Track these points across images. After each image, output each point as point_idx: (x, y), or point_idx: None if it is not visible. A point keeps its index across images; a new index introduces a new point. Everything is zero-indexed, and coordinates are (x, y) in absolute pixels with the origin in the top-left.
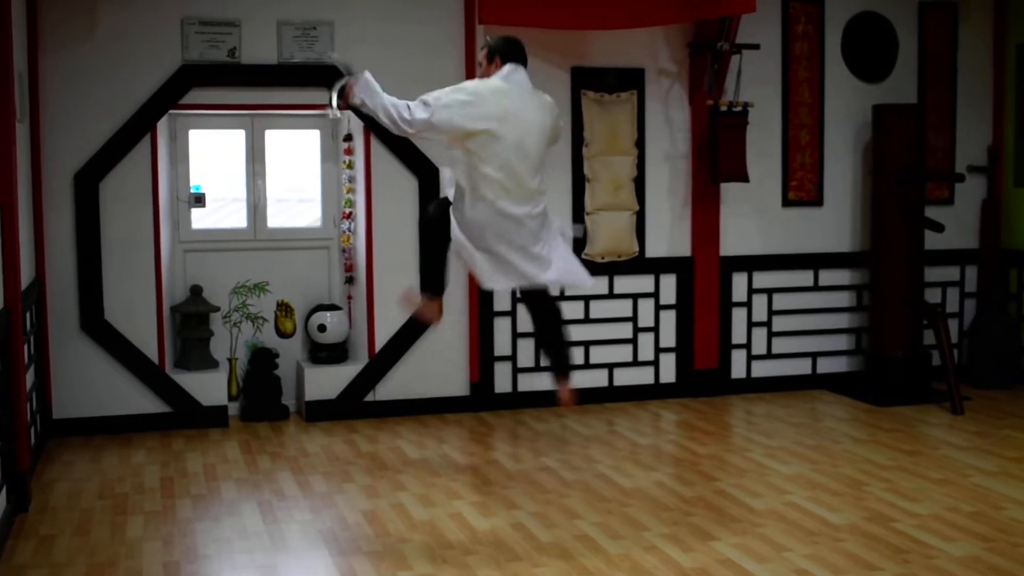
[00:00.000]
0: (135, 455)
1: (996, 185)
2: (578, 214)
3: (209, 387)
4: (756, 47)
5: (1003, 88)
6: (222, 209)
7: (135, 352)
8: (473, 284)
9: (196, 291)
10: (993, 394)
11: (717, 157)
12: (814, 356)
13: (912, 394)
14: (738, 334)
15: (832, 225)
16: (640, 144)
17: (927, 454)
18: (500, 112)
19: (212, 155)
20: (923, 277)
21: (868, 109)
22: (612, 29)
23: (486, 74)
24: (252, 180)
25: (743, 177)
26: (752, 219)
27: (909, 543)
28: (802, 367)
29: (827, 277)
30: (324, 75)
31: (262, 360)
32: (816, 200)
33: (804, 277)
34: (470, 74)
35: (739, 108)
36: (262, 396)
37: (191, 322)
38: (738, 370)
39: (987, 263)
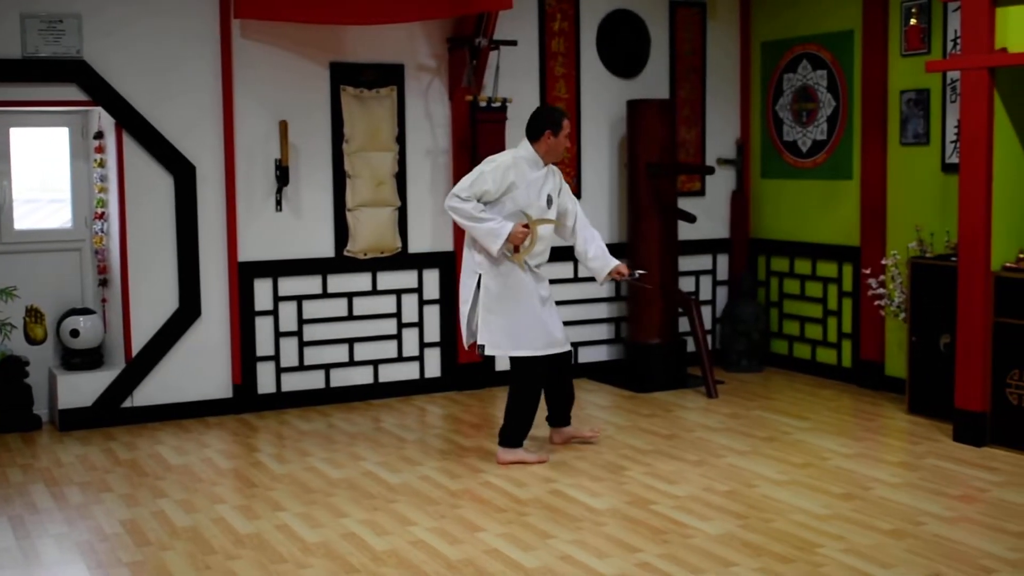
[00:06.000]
0: None
1: (744, 177)
2: (339, 211)
3: None
4: (514, 43)
5: (749, 84)
6: None
7: None
8: (233, 283)
9: None
10: (745, 377)
11: (477, 152)
12: (575, 346)
13: (669, 380)
14: None
15: (590, 217)
16: (401, 140)
17: (684, 437)
18: None
19: None
20: (678, 266)
21: (623, 104)
22: (370, 24)
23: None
24: None
25: None
26: None
27: (668, 524)
28: None
29: (586, 269)
30: (72, 70)
31: (11, 369)
32: (574, 193)
33: (564, 269)
34: (226, 69)
35: (498, 103)
36: (12, 406)
37: None
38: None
39: (737, 252)
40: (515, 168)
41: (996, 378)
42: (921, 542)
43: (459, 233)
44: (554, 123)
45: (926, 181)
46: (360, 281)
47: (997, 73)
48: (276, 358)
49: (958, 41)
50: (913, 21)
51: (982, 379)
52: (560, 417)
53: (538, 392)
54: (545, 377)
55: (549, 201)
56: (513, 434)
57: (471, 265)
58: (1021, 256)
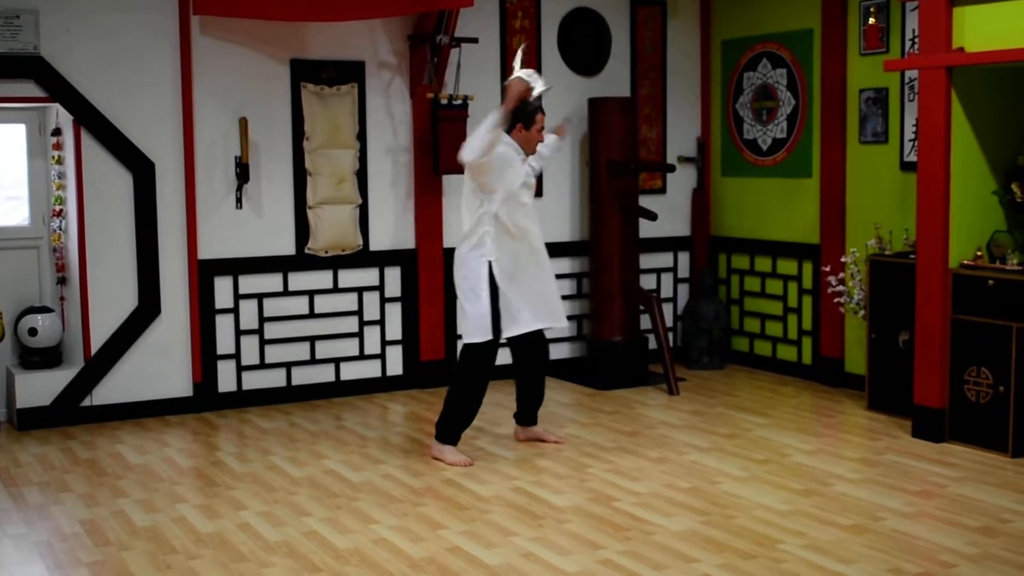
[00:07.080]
0: None
1: (705, 175)
2: (300, 208)
3: None
4: (475, 41)
5: (709, 82)
6: None
7: None
8: (193, 280)
9: None
10: (706, 374)
11: (438, 149)
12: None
13: (631, 377)
14: None
15: (552, 215)
16: (362, 137)
17: (646, 434)
18: None
19: None
20: (639, 264)
21: (584, 102)
22: (331, 21)
23: None
24: None
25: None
26: None
27: (630, 521)
28: None
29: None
30: (29, 67)
31: None
32: (536, 191)
33: None
34: (186, 65)
35: (459, 101)
36: None
37: None
38: None
39: (698, 249)
40: (510, 148)
41: (954, 375)
42: (881, 537)
43: (421, 230)
44: (526, 117)
45: (885, 179)
46: (321, 279)
47: (955, 72)
48: (237, 356)
49: (916, 40)
50: (872, 20)
51: (940, 376)
52: (528, 416)
53: (486, 382)
54: (492, 368)
55: (526, 187)
56: (451, 428)
57: (476, 255)
58: (979, 254)
